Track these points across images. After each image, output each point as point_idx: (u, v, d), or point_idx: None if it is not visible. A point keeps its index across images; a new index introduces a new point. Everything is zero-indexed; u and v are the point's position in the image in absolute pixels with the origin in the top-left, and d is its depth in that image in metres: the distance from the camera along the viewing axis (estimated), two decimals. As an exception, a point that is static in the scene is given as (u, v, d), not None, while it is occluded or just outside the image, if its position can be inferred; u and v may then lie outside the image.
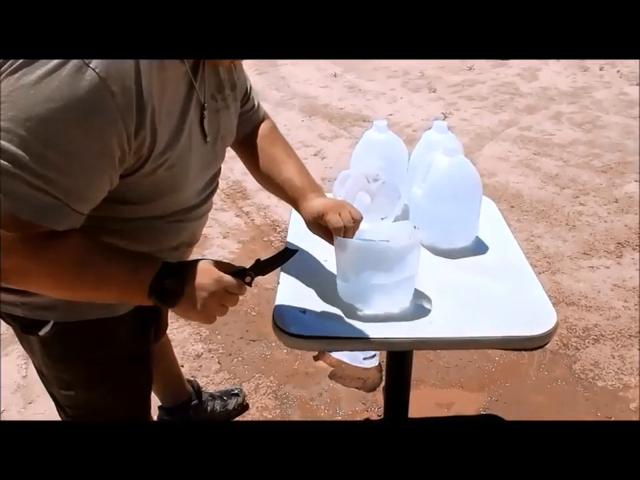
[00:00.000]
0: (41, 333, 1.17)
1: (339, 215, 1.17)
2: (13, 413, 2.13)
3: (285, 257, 1.13)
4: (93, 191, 0.92)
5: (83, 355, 1.25)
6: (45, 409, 2.01)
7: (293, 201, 1.30)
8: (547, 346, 2.31)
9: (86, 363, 1.26)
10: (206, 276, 1.01)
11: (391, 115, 4.77)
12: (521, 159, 3.91)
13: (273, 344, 2.38)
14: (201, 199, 1.17)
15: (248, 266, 1.09)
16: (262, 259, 1.11)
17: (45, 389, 1.35)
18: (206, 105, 1.07)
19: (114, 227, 1.05)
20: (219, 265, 1.06)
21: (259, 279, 1.07)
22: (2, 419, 2.11)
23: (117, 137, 0.87)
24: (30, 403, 2.16)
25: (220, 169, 1.25)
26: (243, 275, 1.06)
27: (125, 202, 1.01)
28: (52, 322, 1.16)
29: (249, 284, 1.07)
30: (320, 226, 1.23)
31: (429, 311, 1.21)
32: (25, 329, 1.20)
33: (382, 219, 1.20)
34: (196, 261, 1.03)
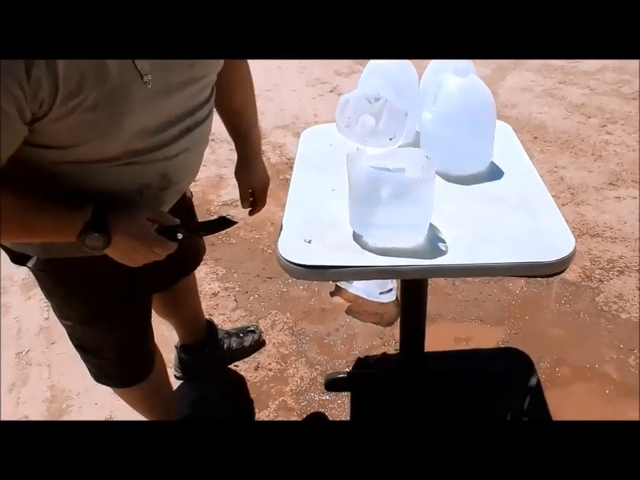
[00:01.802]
0: (29, 265, 1.20)
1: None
2: (37, 354, 2.18)
3: (222, 225, 1.15)
4: None
5: (72, 293, 1.27)
6: (66, 349, 2.04)
7: (240, 139, 1.51)
8: (569, 278, 2.28)
9: (75, 301, 1.29)
10: (133, 233, 1.05)
11: (410, 48, 4.61)
12: (545, 89, 3.76)
13: (289, 281, 2.37)
14: (165, 139, 1.07)
15: (183, 222, 1.12)
16: (198, 221, 1.13)
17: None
18: None
19: (51, 170, 1.01)
20: (155, 217, 1.08)
21: None
22: (26, 358, 2.16)
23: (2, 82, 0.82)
24: (52, 344, 2.20)
25: (205, 100, 1.15)
26: (174, 232, 1.09)
27: (52, 147, 0.97)
28: (36, 256, 1.18)
29: (180, 241, 1.11)
30: (244, 180, 1.54)
31: (443, 242, 1.16)
32: (14, 260, 1.23)
33: (390, 139, 1.14)
34: (129, 213, 1.05)
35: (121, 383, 1.51)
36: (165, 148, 1.08)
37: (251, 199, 1.56)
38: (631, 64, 3.92)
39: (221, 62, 1.17)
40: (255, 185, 1.55)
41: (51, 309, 1.37)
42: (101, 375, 1.47)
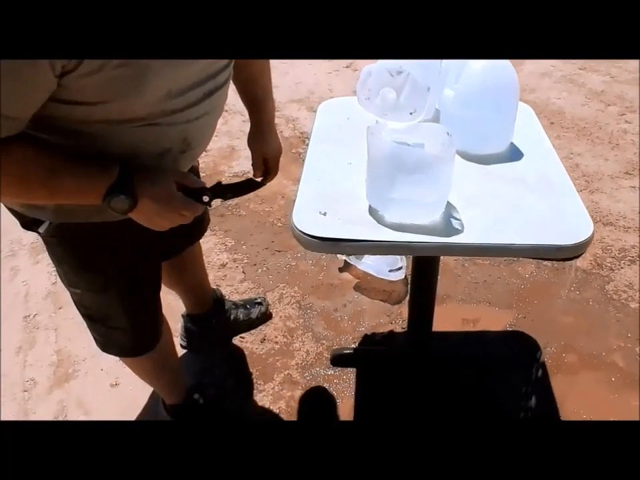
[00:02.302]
0: (40, 230, 1.18)
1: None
2: (44, 318, 2.19)
3: (249, 186, 1.14)
4: (22, 93, 0.86)
5: (82, 259, 1.25)
6: (73, 315, 2.04)
7: (256, 108, 1.48)
8: (580, 265, 2.26)
9: (86, 268, 1.27)
10: (160, 196, 1.03)
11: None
12: (564, 74, 3.71)
13: (299, 255, 2.36)
14: (188, 102, 1.06)
15: (210, 185, 1.10)
16: (223, 183, 1.12)
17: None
18: None
19: (76, 128, 0.99)
20: (180, 178, 1.06)
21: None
22: (34, 322, 2.17)
23: None
24: (60, 308, 2.21)
25: (226, 65, 1.14)
26: (201, 195, 1.07)
27: (79, 102, 0.94)
28: (48, 221, 1.16)
29: (207, 204, 1.09)
30: (258, 149, 1.51)
31: (459, 221, 1.15)
32: (25, 225, 1.21)
33: (411, 113, 1.13)
34: (155, 176, 1.03)
35: (128, 352, 1.51)
36: (187, 110, 1.07)
37: (264, 168, 1.54)
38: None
39: None
40: (269, 154, 1.52)
41: (58, 277, 1.35)
42: (108, 343, 1.46)
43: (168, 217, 1.06)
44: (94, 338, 1.46)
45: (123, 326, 1.39)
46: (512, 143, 1.37)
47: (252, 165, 1.54)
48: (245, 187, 1.14)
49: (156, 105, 1.01)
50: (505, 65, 1.29)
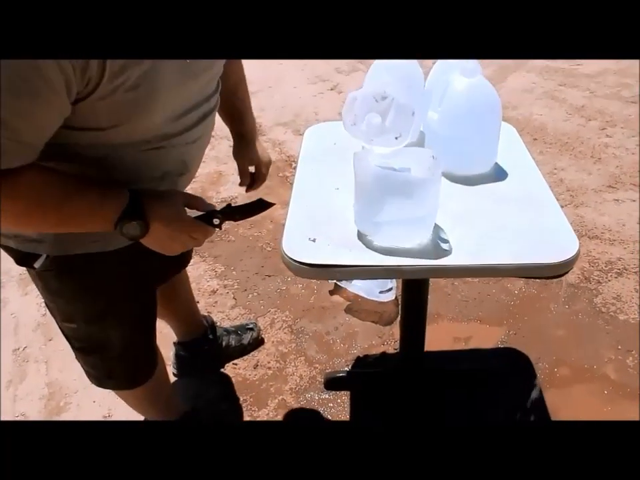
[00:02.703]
0: (36, 265, 1.17)
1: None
2: (34, 350, 2.17)
3: (259, 207, 1.14)
4: (39, 121, 0.86)
5: (80, 290, 1.24)
6: (64, 346, 2.03)
7: (236, 119, 1.49)
8: (568, 279, 2.28)
9: (84, 298, 1.26)
10: (171, 219, 1.03)
11: (410, 47, 4.60)
12: (545, 91, 3.76)
13: (289, 279, 2.37)
14: (187, 124, 1.08)
15: (219, 208, 1.11)
16: (233, 205, 1.12)
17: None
18: None
19: (84, 154, 0.99)
20: (190, 202, 1.07)
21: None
22: (23, 355, 2.15)
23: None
24: (50, 340, 2.19)
25: (216, 88, 1.17)
26: (211, 217, 1.07)
27: (90, 128, 0.95)
28: (45, 255, 1.15)
29: (218, 226, 1.09)
30: (243, 159, 1.52)
31: (447, 242, 1.16)
32: (20, 261, 1.19)
33: (396, 138, 1.14)
34: (165, 199, 1.03)
35: (126, 382, 1.48)
36: (186, 133, 1.08)
37: (249, 175, 1.55)
38: (632, 68, 3.93)
39: None
40: (256, 160, 1.53)
41: (50, 313, 1.33)
42: (105, 376, 1.44)
43: (180, 239, 1.06)
44: (87, 373, 1.44)
45: (120, 354, 1.37)
46: (496, 163, 1.39)
47: (238, 172, 1.54)
48: (254, 208, 1.14)
49: (161, 127, 1.02)
50: (487, 86, 1.31)
